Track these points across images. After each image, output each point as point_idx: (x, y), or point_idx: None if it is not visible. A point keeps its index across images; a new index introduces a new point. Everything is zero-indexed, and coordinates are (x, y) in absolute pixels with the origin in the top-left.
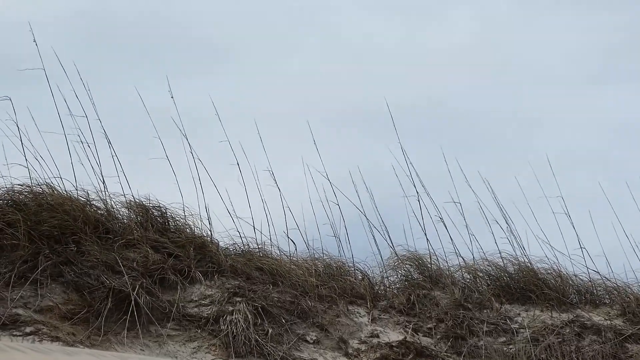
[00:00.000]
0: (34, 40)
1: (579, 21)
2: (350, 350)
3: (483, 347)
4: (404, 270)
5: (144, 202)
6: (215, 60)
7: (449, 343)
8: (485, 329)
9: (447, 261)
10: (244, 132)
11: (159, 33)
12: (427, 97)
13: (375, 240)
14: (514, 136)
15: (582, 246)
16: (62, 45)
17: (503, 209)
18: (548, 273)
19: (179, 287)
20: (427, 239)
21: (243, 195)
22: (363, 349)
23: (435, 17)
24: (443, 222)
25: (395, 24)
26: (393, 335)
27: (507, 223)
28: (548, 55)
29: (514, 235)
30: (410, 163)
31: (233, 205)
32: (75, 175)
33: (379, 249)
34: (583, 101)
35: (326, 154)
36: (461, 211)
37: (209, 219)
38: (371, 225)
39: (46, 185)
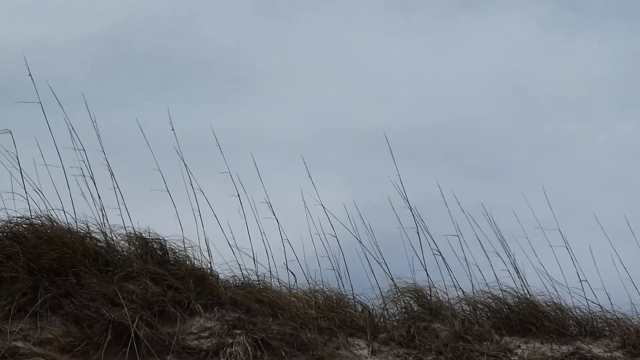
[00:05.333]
0: (30, 75)
1: (603, 46)
2: None
3: None
4: (404, 302)
5: (143, 235)
6: (236, 88)
7: None
8: None
9: (447, 293)
10: (256, 161)
11: (178, 60)
12: (447, 122)
13: (373, 272)
14: (534, 163)
15: (580, 279)
16: (78, 70)
17: (504, 241)
18: (548, 305)
19: (178, 320)
20: (427, 272)
21: (243, 226)
22: None
23: (457, 41)
24: (441, 255)
25: (417, 48)
26: None
27: (508, 255)
28: (571, 80)
29: (515, 268)
30: (406, 197)
31: (233, 237)
32: (75, 207)
33: (376, 281)
34: (607, 127)
35: (335, 183)
36: (462, 243)
37: (208, 251)
38: (367, 256)
39: (46, 217)
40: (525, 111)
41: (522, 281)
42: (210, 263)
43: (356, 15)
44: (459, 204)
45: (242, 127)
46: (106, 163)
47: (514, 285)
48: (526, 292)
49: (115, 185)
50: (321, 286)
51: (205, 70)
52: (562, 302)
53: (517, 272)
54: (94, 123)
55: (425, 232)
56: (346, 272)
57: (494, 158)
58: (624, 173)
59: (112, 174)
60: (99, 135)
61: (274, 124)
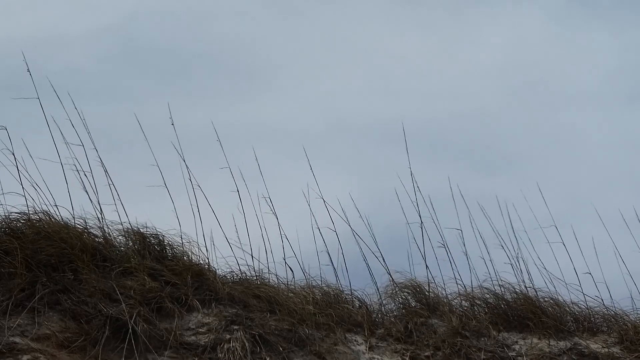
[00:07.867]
0: (28, 70)
1: (613, 39)
2: None
3: None
4: (402, 298)
5: (141, 230)
6: (246, 82)
7: None
8: (482, 357)
9: (445, 289)
10: (263, 155)
11: (188, 54)
12: (457, 115)
13: (370, 268)
14: (545, 155)
15: (578, 273)
16: (88, 63)
17: (504, 236)
18: (545, 301)
19: (176, 315)
20: (427, 266)
21: (242, 222)
22: None
23: (467, 34)
24: (446, 247)
25: (427, 42)
26: None
27: (513, 249)
28: (581, 73)
29: (517, 263)
30: (418, 189)
31: (230, 233)
32: (73, 203)
33: (373, 277)
34: (618, 120)
35: (343, 176)
36: (463, 238)
37: (206, 246)
38: (365, 251)
39: (43, 213)
40: (536, 104)
41: (522, 276)
42: (207, 258)
43: (366, 9)
44: (462, 198)
45: (252, 120)
46: (99, 160)
47: (515, 281)
48: (525, 287)
49: (110, 181)
50: (319, 282)
51: (215, 64)
52: (560, 297)
53: (519, 267)
54: (83, 120)
55: (437, 225)
56: (345, 268)
57: (504, 151)
58: (634, 166)
59: (105, 170)
60: (89, 132)
61: (284, 117)
